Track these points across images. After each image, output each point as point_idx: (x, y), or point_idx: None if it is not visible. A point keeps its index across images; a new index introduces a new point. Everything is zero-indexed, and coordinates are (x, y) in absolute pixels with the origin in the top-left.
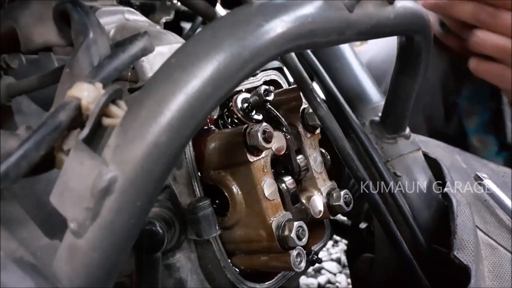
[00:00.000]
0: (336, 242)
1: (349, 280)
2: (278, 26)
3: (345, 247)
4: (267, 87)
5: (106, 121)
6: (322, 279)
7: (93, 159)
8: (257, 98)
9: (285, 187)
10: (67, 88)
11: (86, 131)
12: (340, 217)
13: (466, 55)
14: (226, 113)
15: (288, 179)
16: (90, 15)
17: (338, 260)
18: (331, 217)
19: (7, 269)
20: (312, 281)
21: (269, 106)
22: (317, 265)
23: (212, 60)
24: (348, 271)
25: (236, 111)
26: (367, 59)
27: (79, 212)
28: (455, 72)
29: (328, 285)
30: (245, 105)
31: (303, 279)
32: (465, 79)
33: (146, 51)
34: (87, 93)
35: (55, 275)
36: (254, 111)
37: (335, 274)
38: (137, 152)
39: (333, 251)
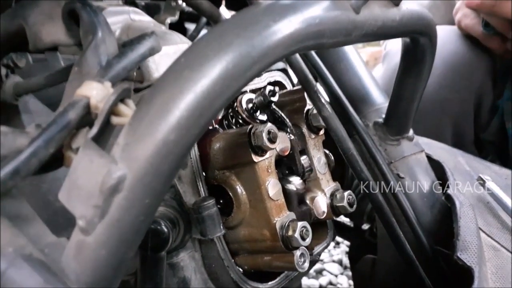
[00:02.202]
0: (337, 243)
1: (350, 281)
2: (286, 26)
3: (346, 249)
4: (272, 87)
5: (115, 119)
6: (323, 280)
7: (102, 157)
8: (262, 98)
9: (290, 188)
10: (75, 87)
11: (95, 129)
12: (342, 218)
13: (508, 57)
14: (231, 114)
15: (294, 180)
16: (98, 15)
17: (339, 262)
18: (335, 218)
19: (16, 265)
20: (314, 282)
21: (274, 106)
22: (318, 266)
23: (220, 60)
24: (349, 273)
25: (241, 111)
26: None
27: (87, 210)
28: (495, 74)
29: (330, 286)
30: (250, 105)
31: (304, 281)
32: (507, 81)
33: (153, 51)
34: (96, 92)
35: (63, 271)
36: (258, 112)
37: (336, 276)
38: (146, 150)
39: (335, 253)
